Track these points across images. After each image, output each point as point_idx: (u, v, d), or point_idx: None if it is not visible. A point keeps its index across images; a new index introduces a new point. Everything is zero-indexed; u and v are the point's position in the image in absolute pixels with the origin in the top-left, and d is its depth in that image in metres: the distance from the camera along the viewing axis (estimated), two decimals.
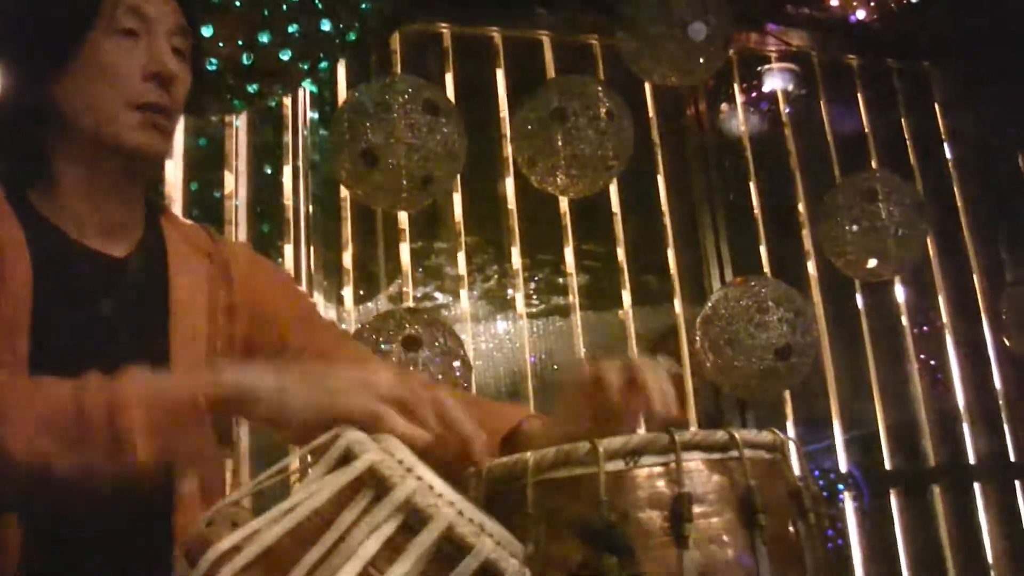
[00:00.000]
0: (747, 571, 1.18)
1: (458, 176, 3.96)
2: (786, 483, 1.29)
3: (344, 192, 4.09)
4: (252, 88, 3.18)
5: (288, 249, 3.99)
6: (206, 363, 1.60)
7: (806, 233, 4.92)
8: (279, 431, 1.26)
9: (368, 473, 1.02)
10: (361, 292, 4.22)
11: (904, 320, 5.04)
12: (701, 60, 3.92)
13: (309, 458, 1.10)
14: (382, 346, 3.27)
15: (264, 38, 3.08)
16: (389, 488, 1.00)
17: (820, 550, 1.28)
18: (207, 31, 2.99)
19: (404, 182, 3.47)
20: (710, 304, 4.03)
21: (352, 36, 3.37)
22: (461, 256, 4.31)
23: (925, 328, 5.14)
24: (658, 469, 1.20)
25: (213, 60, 3.05)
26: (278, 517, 0.99)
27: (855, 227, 4.26)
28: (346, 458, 1.04)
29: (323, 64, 3.39)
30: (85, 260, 1.64)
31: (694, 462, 1.22)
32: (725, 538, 1.19)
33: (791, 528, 1.26)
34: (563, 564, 1.17)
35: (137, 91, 1.61)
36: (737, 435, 1.25)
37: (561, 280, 4.59)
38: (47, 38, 1.62)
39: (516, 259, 4.39)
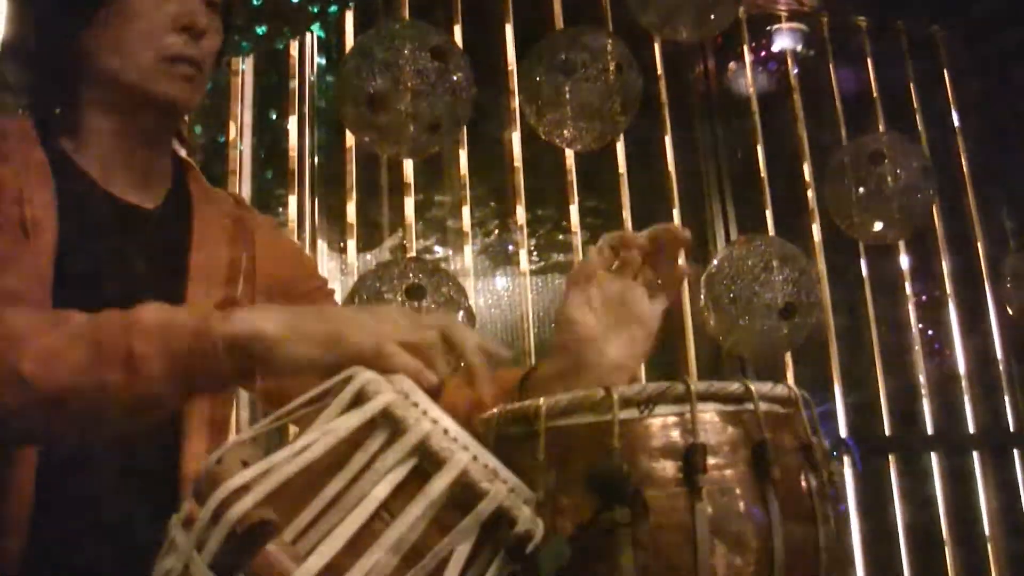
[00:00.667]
0: (758, 524, 1.16)
1: (464, 129, 3.93)
2: (798, 438, 1.27)
3: (349, 141, 4.06)
4: (260, 30, 3.16)
5: (292, 199, 3.96)
6: None
7: (811, 195, 4.89)
8: (288, 376, 1.25)
9: (381, 414, 0.99)
10: (363, 243, 4.19)
11: (907, 286, 5.02)
12: (712, 16, 3.88)
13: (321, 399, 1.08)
14: (385, 295, 3.25)
15: None
16: (403, 430, 0.98)
17: (829, 506, 1.27)
18: None
19: (410, 128, 3.45)
20: (715, 262, 4.01)
21: None
22: (465, 210, 4.28)
23: (926, 295, 5.13)
24: (672, 419, 1.19)
25: None
26: (290, 457, 0.96)
27: (861, 189, 4.24)
28: (359, 399, 1.02)
29: (333, 8, 3.37)
30: (111, 209, 1.64)
31: (708, 413, 1.20)
32: (737, 490, 1.17)
33: (803, 483, 1.24)
34: (573, 512, 1.15)
35: (167, 42, 1.61)
36: (752, 387, 1.23)
37: (564, 237, 4.57)
38: None
39: (520, 215, 4.35)
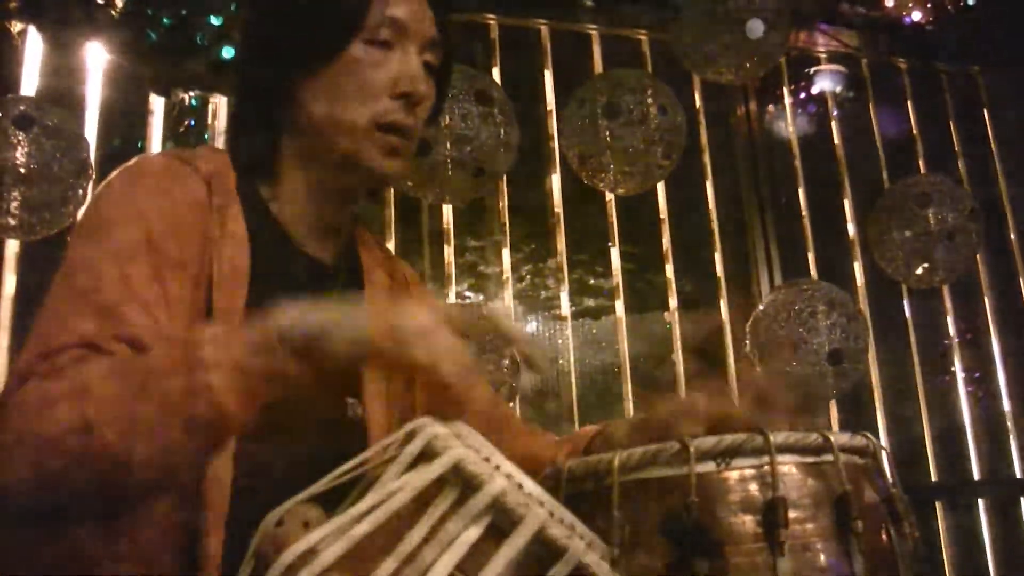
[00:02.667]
0: None
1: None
2: (879, 489, 1.23)
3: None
4: None
5: None
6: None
7: (853, 237, 4.84)
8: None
9: (452, 471, 0.96)
10: None
11: (951, 328, 4.96)
12: (757, 57, 3.85)
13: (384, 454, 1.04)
14: None
15: None
16: (476, 487, 0.95)
17: (913, 559, 1.22)
18: None
19: (455, 174, 3.41)
20: (761, 307, 3.96)
21: None
22: (505, 253, 4.22)
23: (970, 336, 5.06)
24: (750, 472, 1.16)
25: None
26: (356, 518, 0.93)
27: (907, 232, 4.19)
28: (426, 454, 0.98)
29: None
30: (300, 263, 1.63)
31: (787, 465, 1.17)
32: (819, 545, 1.13)
33: (884, 536, 1.20)
34: (648, 569, 1.11)
35: (385, 109, 1.58)
36: (832, 438, 1.19)
37: (603, 281, 4.53)
38: (311, 42, 1.58)
39: (563, 260, 4.31)
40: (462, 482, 0.95)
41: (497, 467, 0.96)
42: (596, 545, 0.99)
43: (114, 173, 1.55)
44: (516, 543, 0.92)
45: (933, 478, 4.74)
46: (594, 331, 4.55)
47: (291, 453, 1.37)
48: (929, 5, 4.75)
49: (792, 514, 1.13)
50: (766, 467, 1.15)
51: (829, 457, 1.19)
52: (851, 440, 1.23)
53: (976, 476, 4.85)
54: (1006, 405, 4.95)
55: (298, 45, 1.59)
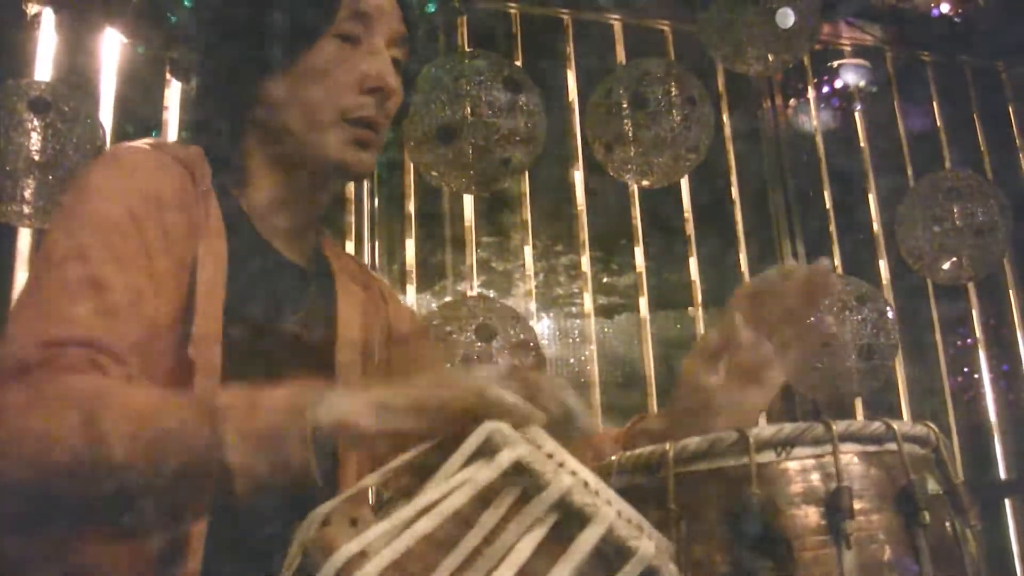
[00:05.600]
0: (909, 573, 1.08)
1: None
2: (941, 480, 1.18)
3: (408, 172, 3.98)
4: None
5: (350, 244, 3.88)
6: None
7: (878, 233, 4.78)
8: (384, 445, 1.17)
9: (514, 468, 0.91)
10: (422, 285, 4.11)
11: (977, 327, 4.90)
12: (785, 48, 3.80)
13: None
14: (453, 336, 3.16)
15: None
16: (541, 485, 0.89)
17: (978, 551, 1.18)
18: None
19: (482, 162, 3.37)
20: None
21: (431, 7, 3.28)
22: (527, 250, 4.16)
23: (995, 335, 5.01)
24: (811, 461, 1.11)
25: None
26: (412, 517, 0.87)
27: (935, 228, 4.14)
28: (484, 451, 0.93)
29: None
30: (274, 262, 1.61)
31: (848, 455, 1.12)
32: (882, 536, 1.08)
33: (948, 527, 1.15)
34: (707, 565, 1.07)
35: (354, 103, 1.56)
36: (895, 426, 1.14)
37: (627, 278, 4.48)
38: (280, 39, 1.56)
39: (585, 257, 4.24)
40: (524, 480, 0.90)
41: (561, 464, 0.91)
42: (663, 545, 0.94)
43: (94, 160, 1.54)
44: (584, 545, 0.87)
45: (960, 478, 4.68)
46: (616, 328, 4.50)
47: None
48: None
49: (856, 505, 1.08)
50: (828, 457, 1.11)
51: (892, 446, 1.14)
52: (913, 429, 1.18)
53: (1003, 476, 4.79)
54: None
55: (267, 42, 1.57)
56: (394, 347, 1.77)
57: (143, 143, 1.55)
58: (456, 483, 0.90)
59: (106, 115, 3.57)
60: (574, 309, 4.41)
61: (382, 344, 1.74)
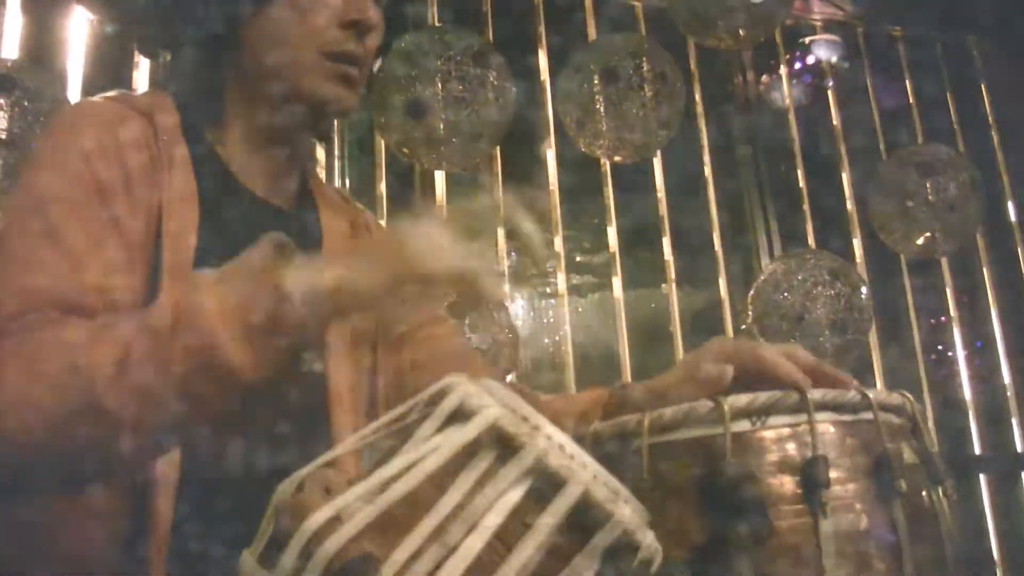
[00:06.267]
0: (886, 542, 1.08)
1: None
2: (917, 449, 1.18)
3: (379, 151, 3.95)
4: None
5: None
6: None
7: (851, 209, 4.78)
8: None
9: (488, 431, 0.89)
10: None
11: (951, 304, 4.91)
12: (757, 21, 3.79)
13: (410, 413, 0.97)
14: None
15: None
16: (515, 449, 0.87)
17: (953, 520, 1.17)
18: None
19: (453, 137, 3.35)
20: (763, 277, 3.90)
21: None
22: (499, 231, 4.14)
23: (968, 312, 5.02)
24: (787, 431, 1.11)
25: None
26: (385, 481, 0.86)
27: (909, 203, 4.14)
28: (459, 414, 0.91)
29: None
30: (249, 204, 1.58)
31: (824, 424, 1.11)
32: (858, 506, 1.08)
33: (924, 497, 1.15)
34: (680, 534, 1.06)
35: (333, 38, 1.54)
36: (871, 396, 1.14)
37: (582, 258, 4.47)
38: None
39: (558, 237, 4.21)
40: (500, 443, 0.88)
41: (536, 427, 0.89)
42: (639, 511, 0.92)
43: (56, 118, 1.52)
44: (559, 507, 0.85)
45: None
46: (590, 307, 4.49)
47: (245, 410, 1.32)
48: None
49: (832, 474, 1.07)
50: (803, 425, 1.10)
51: (868, 415, 1.14)
52: (888, 398, 1.18)
53: (977, 451, 4.81)
54: (1007, 379, 4.90)
55: None
56: None
57: (102, 96, 1.54)
58: (431, 447, 0.88)
59: (74, 94, 3.54)
60: (548, 289, 4.39)
61: None
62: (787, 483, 1.07)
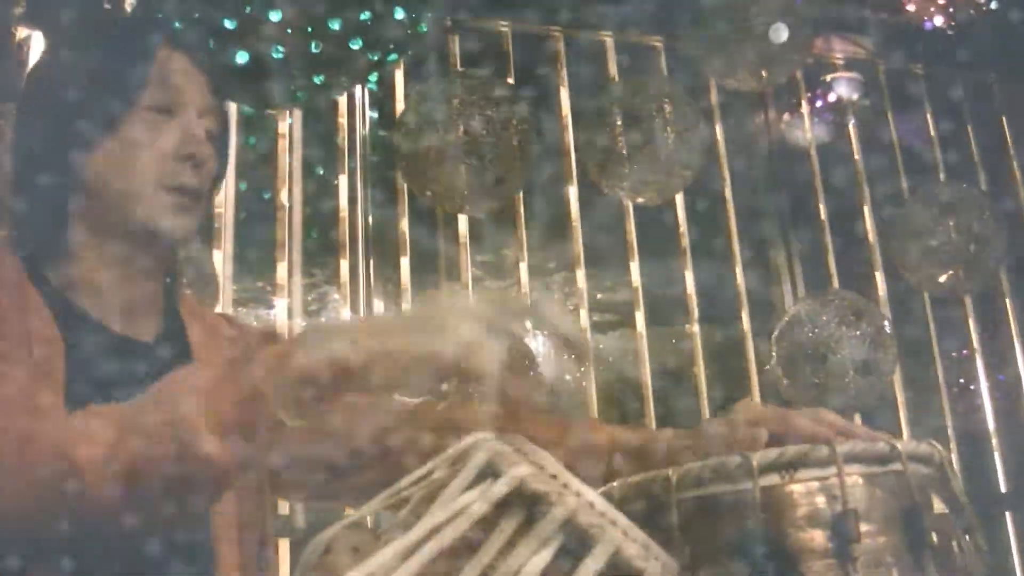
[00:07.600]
0: None
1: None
2: (946, 500, 1.17)
3: (403, 197, 3.96)
4: (318, 79, 3.10)
5: (344, 263, 3.85)
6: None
7: (874, 245, 4.76)
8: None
9: (518, 490, 0.89)
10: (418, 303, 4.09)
11: (975, 341, 4.88)
12: (778, 64, 3.80)
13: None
14: None
15: (335, 25, 2.99)
16: (546, 507, 0.87)
17: (983, 570, 1.17)
18: (275, 16, 2.92)
19: (477, 182, 3.36)
20: (787, 318, 3.89)
21: (423, 27, 3.27)
22: (523, 267, 4.14)
23: (993, 349, 4.99)
24: (815, 484, 1.10)
25: (279, 48, 2.98)
26: (415, 543, 0.85)
27: (931, 241, 4.12)
28: (486, 473, 0.91)
29: (392, 56, 3.29)
30: (112, 346, 1.58)
31: (852, 476, 1.11)
32: (889, 559, 1.08)
33: (956, 548, 1.14)
34: None
35: (170, 171, 1.59)
36: (900, 446, 1.14)
37: (622, 294, 4.46)
38: (96, 110, 1.59)
39: (580, 273, 4.21)
40: (528, 502, 0.89)
41: (565, 485, 0.90)
42: (671, 568, 0.92)
43: None
44: (592, 565, 0.86)
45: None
46: (611, 345, 4.48)
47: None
48: (951, 9, 4.68)
49: (862, 527, 1.07)
50: (832, 479, 1.10)
51: (897, 467, 1.14)
52: (917, 448, 1.18)
53: (1002, 486, 4.76)
54: None
55: (86, 114, 1.59)
56: None
57: None
58: (459, 506, 0.88)
59: None
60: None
61: None
62: (817, 537, 1.07)
